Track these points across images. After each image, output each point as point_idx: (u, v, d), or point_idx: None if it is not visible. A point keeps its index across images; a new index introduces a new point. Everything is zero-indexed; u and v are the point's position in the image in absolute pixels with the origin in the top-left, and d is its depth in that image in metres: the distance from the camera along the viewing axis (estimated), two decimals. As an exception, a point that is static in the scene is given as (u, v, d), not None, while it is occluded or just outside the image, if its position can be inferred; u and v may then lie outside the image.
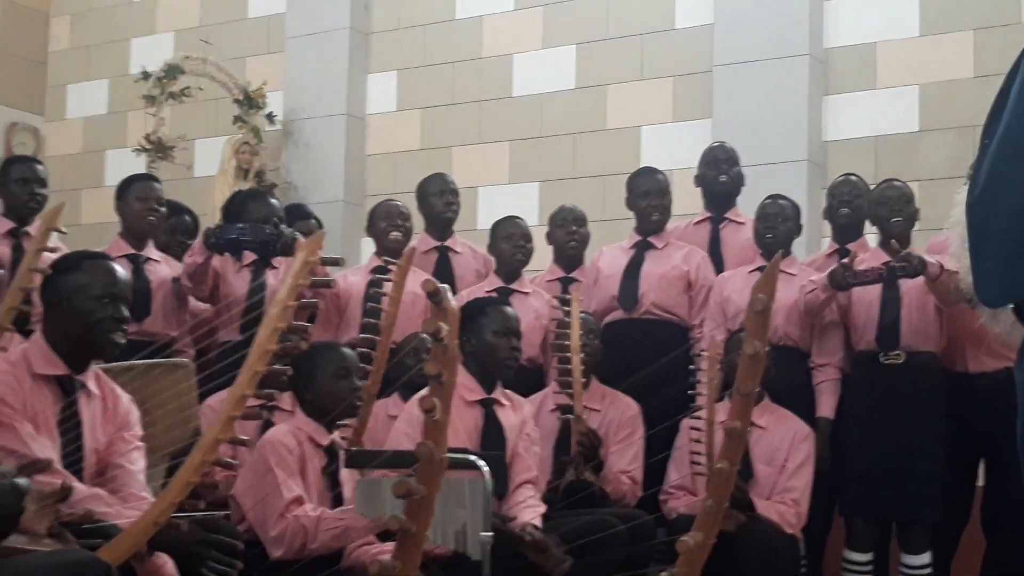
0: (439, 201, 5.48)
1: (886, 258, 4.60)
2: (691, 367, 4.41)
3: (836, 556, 4.73)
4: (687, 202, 5.77)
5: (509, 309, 4.15)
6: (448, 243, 5.48)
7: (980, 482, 4.78)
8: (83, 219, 8.71)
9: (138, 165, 7.67)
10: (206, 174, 8.14)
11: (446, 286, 2.59)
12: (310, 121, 8.12)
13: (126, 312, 3.02)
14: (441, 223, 5.49)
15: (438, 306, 2.55)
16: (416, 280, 4.08)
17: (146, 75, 7.86)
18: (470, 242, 5.71)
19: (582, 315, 4.48)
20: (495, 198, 7.44)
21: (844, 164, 6.40)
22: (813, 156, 6.62)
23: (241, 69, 8.31)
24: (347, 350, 3.69)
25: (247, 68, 8.37)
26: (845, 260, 4.49)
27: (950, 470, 4.54)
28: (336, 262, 2.86)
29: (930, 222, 5.05)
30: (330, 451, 3.52)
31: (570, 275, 5.32)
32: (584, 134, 7.45)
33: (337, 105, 8.06)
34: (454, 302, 2.61)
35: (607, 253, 5.29)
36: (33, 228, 4.82)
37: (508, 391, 4.16)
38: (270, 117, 8.10)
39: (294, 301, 2.66)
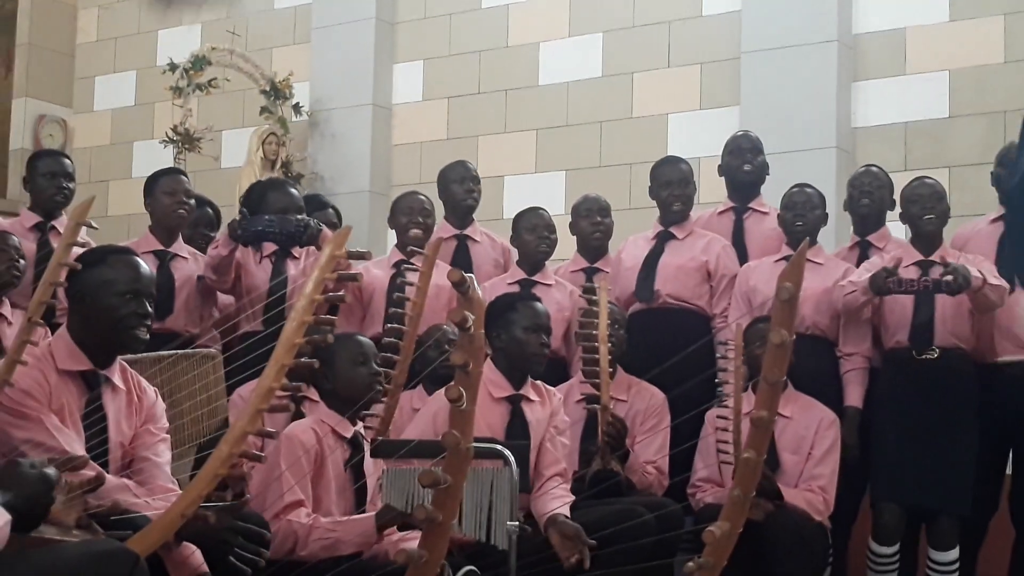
0: (460, 189, 5.45)
1: (915, 253, 4.59)
2: (718, 357, 4.39)
3: (862, 549, 4.70)
4: (714, 191, 5.73)
5: (539, 305, 4.14)
6: (468, 232, 5.45)
7: (1008, 471, 4.75)
8: (111, 211, 8.77)
9: (165, 157, 7.71)
10: (233, 165, 8.18)
11: (472, 275, 2.59)
12: (336, 111, 8.13)
13: (150, 308, 3.02)
14: (462, 211, 5.46)
15: (464, 296, 2.55)
16: (438, 272, 4.09)
17: (173, 67, 7.89)
18: (490, 231, 5.69)
19: (609, 305, 4.47)
20: (521, 187, 7.44)
21: (873, 151, 6.37)
22: (842, 143, 6.58)
23: (267, 60, 8.33)
24: (363, 338, 3.68)
25: (273, 59, 8.39)
26: (888, 265, 4.44)
27: (979, 459, 4.51)
28: (363, 256, 2.85)
29: (962, 208, 5.03)
30: (354, 443, 3.52)
31: (594, 265, 5.30)
32: (611, 122, 7.43)
33: (363, 95, 8.07)
34: (480, 292, 2.60)
35: (630, 244, 5.26)
36: (60, 222, 4.84)
37: (538, 383, 4.15)
38: (296, 108, 8.12)
39: (320, 295, 2.66)
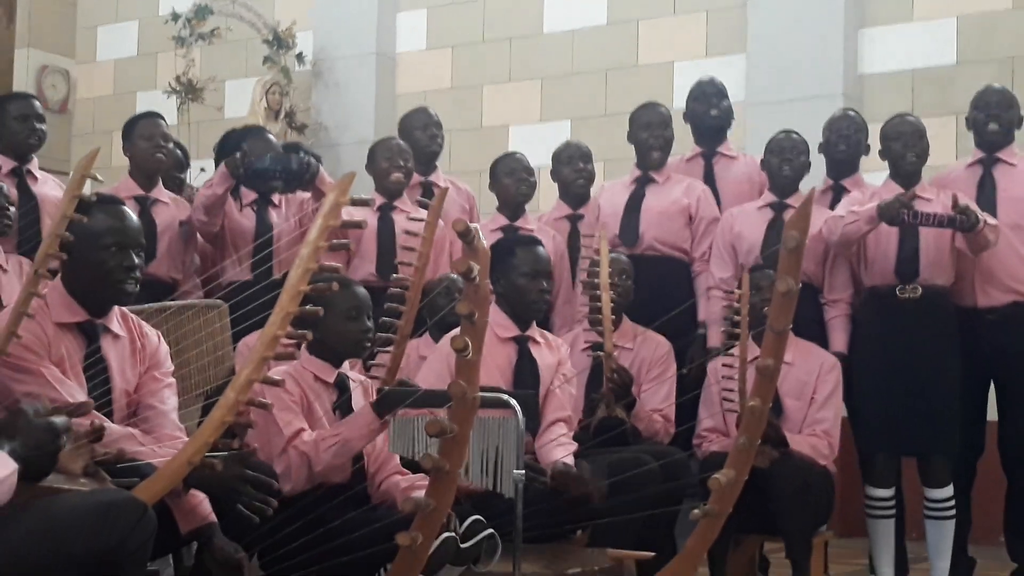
0: (423, 135, 5.43)
1: (895, 190, 4.58)
2: (725, 305, 4.39)
3: (858, 493, 4.72)
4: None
5: (540, 249, 4.11)
6: (432, 178, 5.44)
7: (991, 415, 4.77)
8: (114, 162, 8.72)
9: (169, 107, 7.68)
10: (236, 115, 8.15)
11: (476, 225, 2.58)
12: (340, 60, 8.10)
13: (137, 260, 2.98)
14: (426, 157, 5.44)
15: (469, 246, 2.55)
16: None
17: (175, 16, 7.85)
18: (454, 178, 5.65)
19: (614, 255, 4.46)
20: (526, 136, 7.41)
21: (880, 98, 6.33)
22: (849, 90, 6.54)
23: (270, 9, 8.28)
24: (361, 290, 3.62)
25: (276, 8, 8.34)
26: (902, 196, 4.43)
27: (962, 402, 4.55)
28: (366, 203, 2.84)
29: (968, 155, 4.99)
30: (339, 385, 3.49)
31: (578, 212, 5.30)
32: (616, 71, 7.39)
33: (367, 44, 8.03)
34: (485, 242, 2.60)
35: (608, 190, 5.27)
36: (33, 165, 4.82)
37: (544, 331, 4.15)
38: (300, 57, 8.08)
39: (325, 242, 2.65)
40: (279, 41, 8.02)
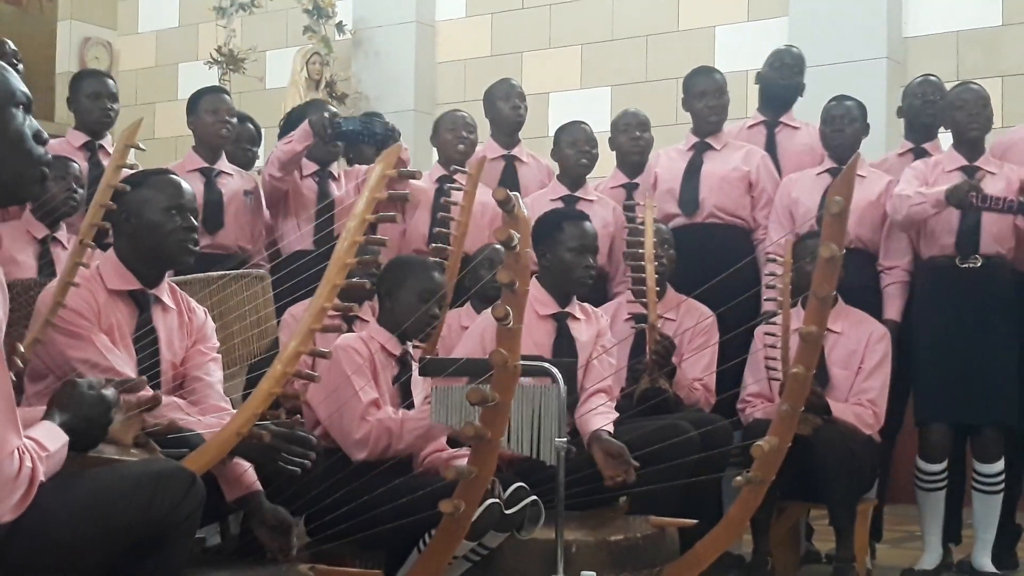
0: (506, 105, 5.39)
1: (962, 161, 4.54)
2: (766, 274, 4.37)
3: (909, 466, 4.69)
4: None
5: (587, 224, 4.09)
6: (515, 152, 5.40)
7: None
8: (158, 133, 8.81)
9: (210, 78, 7.72)
10: (278, 86, 8.18)
11: (517, 194, 2.58)
12: (380, 29, 8.09)
13: (195, 221, 3.04)
14: (509, 127, 5.39)
15: (510, 214, 2.55)
16: (483, 190, 4.07)
17: (215, -14, 7.88)
18: (536, 153, 5.64)
19: (656, 224, 4.44)
20: (566, 104, 7.38)
21: (925, 61, 6.26)
22: (893, 53, 6.47)
23: (310, -22, 8.28)
24: (439, 276, 3.64)
25: (316, -23, 8.33)
26: (973, 181, 4.39)
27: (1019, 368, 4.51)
28: (414, 175, 2.85)
29: (1015, 118, 4.96)
30: (402, 361, 3.53)
31: (634, 181, 5.27)
32: (657, 36, 7.34)
33: (406, 12, 8.02)
34: (526, 210, 2.60)
35: (664, 156, 5.21)
36: (107, 142, 4.87)
37: (585, 304, 4.14)
38: (340, 26, 8.08)
39: (372, 215, 2.66)
40: (319, 10, 8.02)
